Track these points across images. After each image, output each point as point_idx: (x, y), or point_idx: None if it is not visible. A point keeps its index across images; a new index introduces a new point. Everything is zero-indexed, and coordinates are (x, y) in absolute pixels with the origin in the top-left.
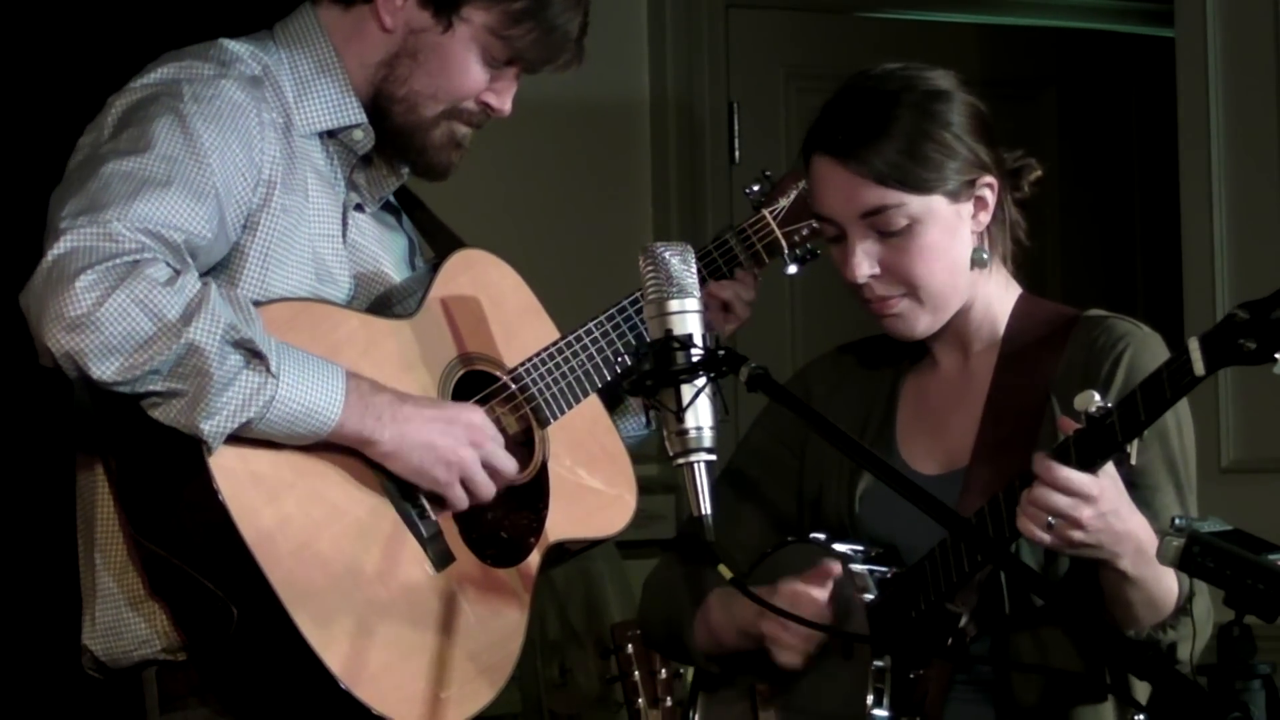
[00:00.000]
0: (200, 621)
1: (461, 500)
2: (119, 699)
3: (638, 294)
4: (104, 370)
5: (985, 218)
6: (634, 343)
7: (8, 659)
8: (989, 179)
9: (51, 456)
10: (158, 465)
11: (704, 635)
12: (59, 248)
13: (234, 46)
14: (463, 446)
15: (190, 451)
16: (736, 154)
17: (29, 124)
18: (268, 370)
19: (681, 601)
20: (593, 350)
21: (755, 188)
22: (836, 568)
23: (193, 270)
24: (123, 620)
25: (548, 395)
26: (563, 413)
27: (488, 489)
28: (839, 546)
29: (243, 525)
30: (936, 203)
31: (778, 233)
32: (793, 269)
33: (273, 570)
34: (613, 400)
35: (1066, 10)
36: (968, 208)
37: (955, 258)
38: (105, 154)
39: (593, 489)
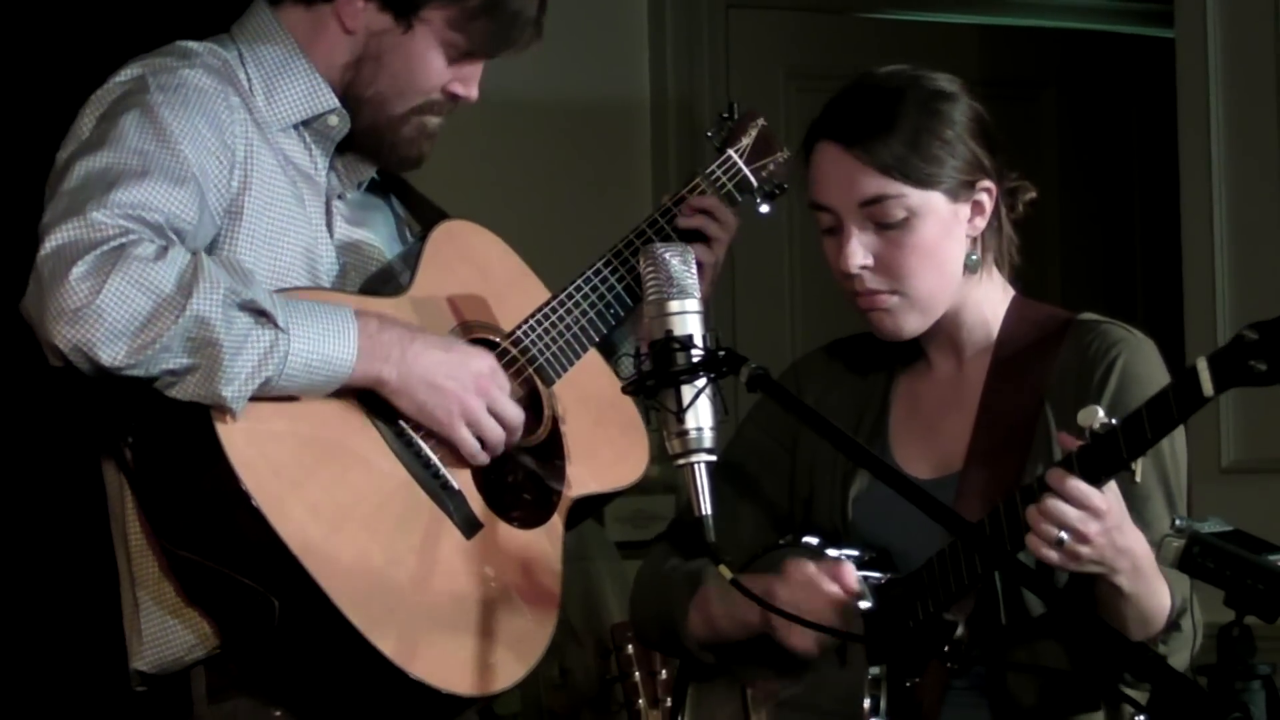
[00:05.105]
0: (243, 619)
1: (470, 443)
2: (166, 691)
3: (621, 243)
4: (114, 355)
5: (981, 223)
6: (624, 295)
7: (47, 661)
8: (988, 183)
9: (82, 471)
10: (177, 470)
11: (701, 624)
12: (45, 248)
13: (194, 45)
14: (468, 393)
15: (209, 451)
16: None
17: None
18: (276, 326)
19: (676, 592)
20: (585, 306)
21: (714, 131)
22: (850, 574)
23: (179, 244)
24: (168, 628)
25: (549, 355)
26: (565, 370)
27: (496, 434)
28: (832, 552)
29: (272, 516)
30: (935, 199)
31: (745, 170)
32: (765, 208)
33: (307, 556)
34: (606, 351)
35: (1067, 11)
36: (965, 210)
37: (947, 258)
38: (78, 155)
39: (607, 441)
